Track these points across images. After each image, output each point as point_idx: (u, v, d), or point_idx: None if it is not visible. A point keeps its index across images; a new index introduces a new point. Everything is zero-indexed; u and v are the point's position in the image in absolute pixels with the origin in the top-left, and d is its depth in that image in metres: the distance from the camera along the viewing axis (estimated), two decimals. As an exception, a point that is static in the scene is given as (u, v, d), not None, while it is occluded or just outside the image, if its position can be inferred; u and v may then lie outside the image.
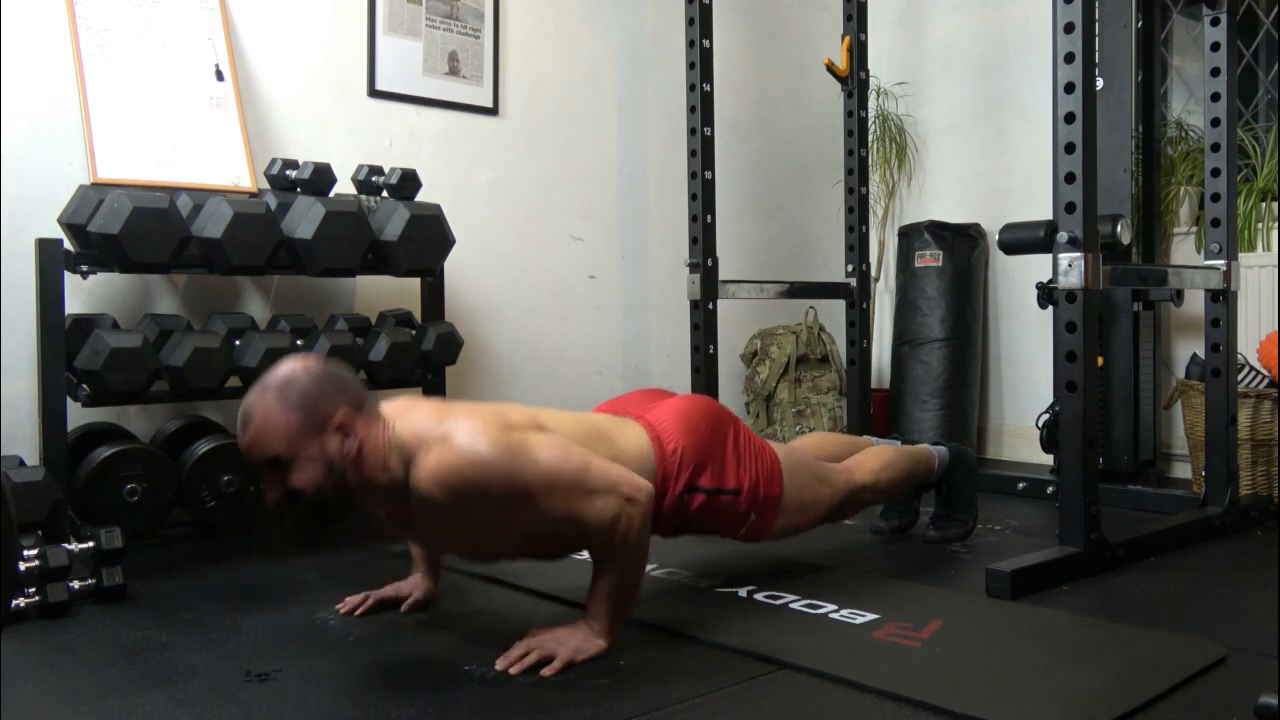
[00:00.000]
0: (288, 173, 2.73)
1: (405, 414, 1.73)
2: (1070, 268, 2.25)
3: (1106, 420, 3.31)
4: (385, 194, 2.90)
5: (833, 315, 4.03)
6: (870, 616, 1.94)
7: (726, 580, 2.21)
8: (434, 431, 1.66)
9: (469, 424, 1.66)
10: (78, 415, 2.56)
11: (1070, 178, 2.24)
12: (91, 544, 2.09)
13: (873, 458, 2.41)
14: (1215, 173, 2.76)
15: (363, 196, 2.86)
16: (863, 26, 3.60)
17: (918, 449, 2.54)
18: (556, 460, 1.68)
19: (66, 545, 2.07)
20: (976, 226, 4.01)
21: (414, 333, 2.87)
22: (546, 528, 1.73)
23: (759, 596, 2.09)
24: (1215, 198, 2.77)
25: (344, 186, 2.92)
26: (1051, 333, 3.36)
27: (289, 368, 1.65)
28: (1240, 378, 2.93)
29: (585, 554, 1.81)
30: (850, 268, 3.65)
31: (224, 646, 1.83)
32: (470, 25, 3.39)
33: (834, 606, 2.00)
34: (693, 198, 3.21)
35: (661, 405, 2.09)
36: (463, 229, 3.20)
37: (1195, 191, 3.53)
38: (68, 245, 2.42)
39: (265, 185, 2.78)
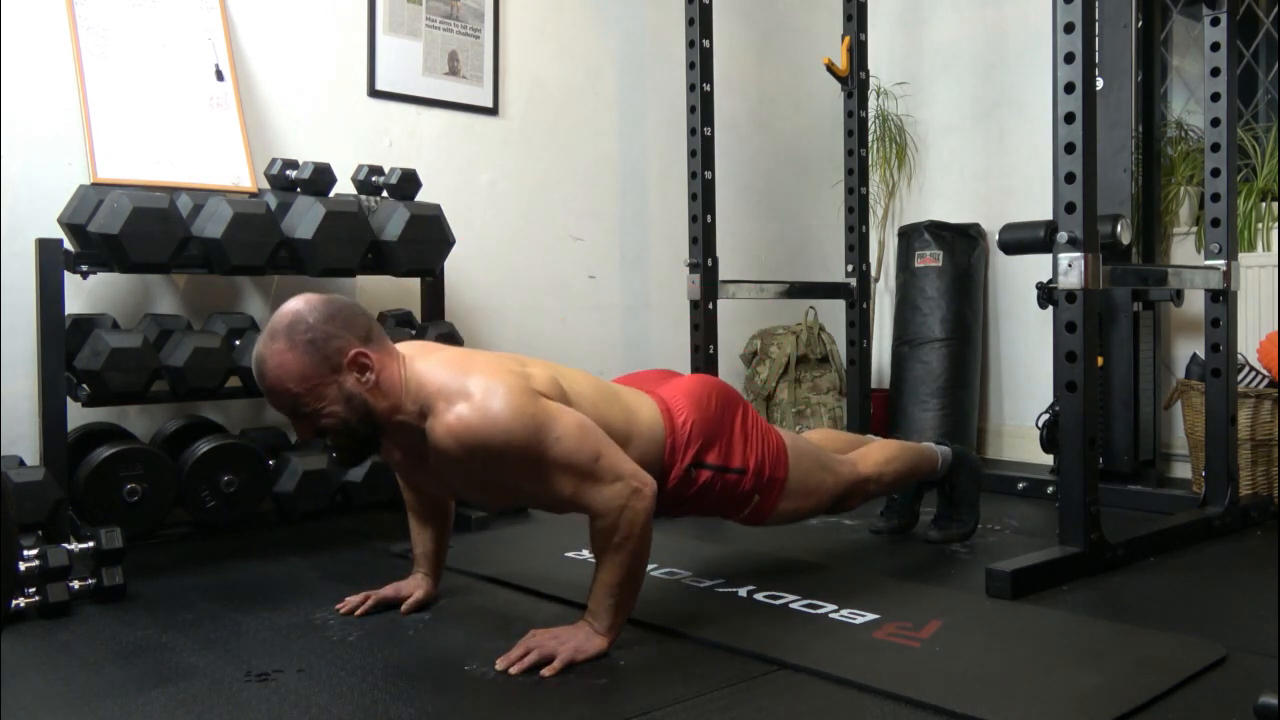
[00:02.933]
0: (288, 173, 2.73)
1: (423, 355, 1.75)
2: (1070, 268, 2.25)
3: (1106, 420, 3.31)
4: (385, 194, 2.90)
5: (833, 315, 4.03)
6: (870, 616, 1.93)
7: (726, 580, 2.21)
8: (457, 382, 1.67)
9: (494, 384, 1.65)
10: (78, 415, 2.56)
11: (1070, 178, 2.24)
12: (91, 544, 2.09)
13: (877, 451, 2.42)
14: (1215, 173, 2.76)
15: (363, 196, 2.86)
16: (863, 26, 3.60)
17: (922, 445, 2.55)
18: (574, 444, 1.68)
19: (66, 545, 2.07)
20: (976, 226, 4.01)
21: (414, 333, 2.87)
22: (551, 500, 1.75)
23: (759, 596, 2.09)
24: (1215, 198, 2.77)
25: (344, 186, 2.91)
26: (1051, 333, 3.36)
27: (293, 309, 1.65)
28: (1240, 378, 2.93)
29: (586, 554, 1.81)
30: (850, 268, 3.65)
31: (224, 646, 1.83)
32: (470, 25, 3.39)
33: (834, 606, 2.00)
34: (693, 198, 3.21)
35: (672, 382, 2.12)
36: (463, 229, 3.20)
37: (1195, 191, 3.53)
38: (68, 245, 2.42)
39: (265, 185, 2.78)
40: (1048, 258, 2.31)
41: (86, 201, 2.40)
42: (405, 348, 1.79)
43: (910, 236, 4.00)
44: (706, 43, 3.19)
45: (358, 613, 2.00)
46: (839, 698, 1.58)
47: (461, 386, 1.66)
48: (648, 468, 1.89)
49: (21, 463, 2.42)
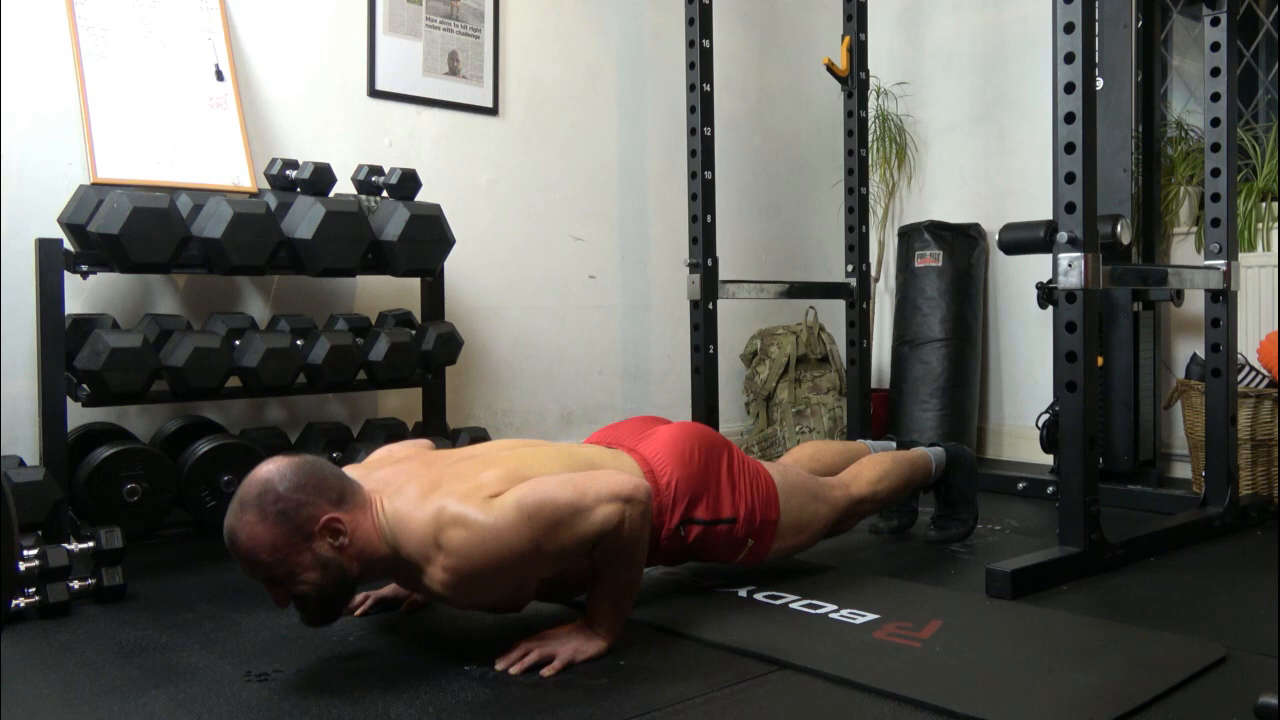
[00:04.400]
0: (288, 173, 2.73)
1: (393, 493, 1.70)
2: (1070, 268, 2.25)
3: (1106, 420, 3.31)
4: (385, 194, 2.90)
5: (833, 315, 4.03)
6: (870, 616, 1.94)
7: (726, 580, 2.21)
8: (428, 529, 1.63)
9: (457, 515, 1.62)
10: (78, 415, 2.56)
11: (1070, 178, 2.24)
12: (91, 544, 2.09)
13: (869, 468, 2.39)
14: (1215, 173, 2.76)
15: (363, 196, 2.86)
16: (863, 26, 3.60)
17: (914, 454, 2.52)
18: (551, 506, 1.64)
19: (66, 545, 2.07)
20: (976, 226, 4.01)
21: (414, 333, 2.87)
22: (565, 561, 1.72)
23: (759, 596, 2.09)
24: (1215, 198, 2.77)
25: (344, 186, 2.92)
26: (1051, 333, 3.36)
27: (262, 478, 1.60)
28: (1240, 378, 2.93)
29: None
30: (850, 268, 3.65)
31: (224, 646, 1.83)
32: (470, 25, 3.39)
33: (834, 606, 2.00)
34: (693, 198, 3.21)
35: (653, 436, 2.07)
36: (463, 229, 3.20)
37: (1195, 191, 3.53)
38: (68, 245, 2.42)
39: (265, 185, 2.78)
40: (1048, 258, 2.31)
41: (86, 201, 2.40)
42: (373, 480, 1.75)
43: (910, 236, 4.00)
44: (706, 43, 3.19)
45: (357, 613, 2.00)
46: (839, 698, 1.58)
47: (434, 534, 1.62)
48: None
49: (21, 463, 2.42)
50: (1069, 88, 2.24)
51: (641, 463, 1.99)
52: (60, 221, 2.45)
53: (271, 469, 1.62)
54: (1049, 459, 3.50)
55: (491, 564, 1.62)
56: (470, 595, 1.69)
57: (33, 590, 2.00)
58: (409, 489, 1.70)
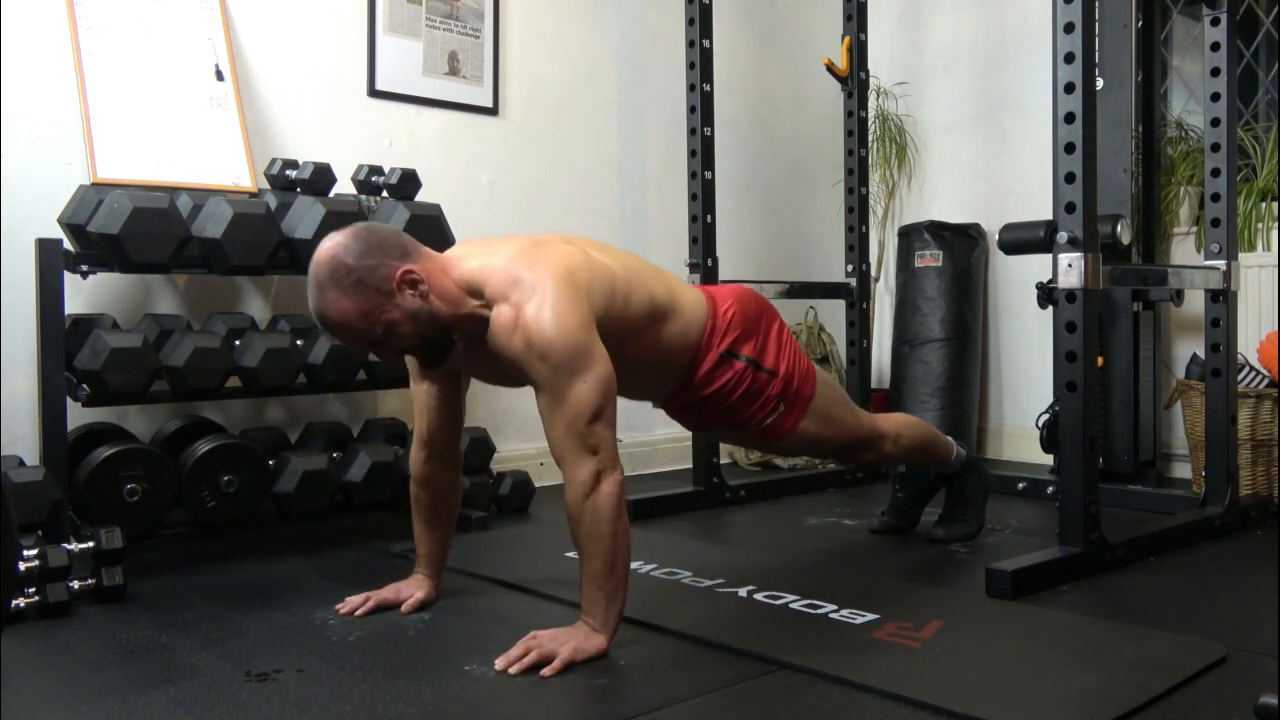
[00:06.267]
0: (288, 173, 2.73)
1: (488, 252, 1.81)
2: (1070, 268, 2.25)
3: (1106, 420, 3.31)
4: (385, 194, 2.90)
5: (833, 315, 4.03)
6: (870, 616, 1.93)
7: (727, 580, 2.21)
8: (528, 275, 1.72)
9: (554, 291, 1.69)
10: (78, 415, 2.56)
11: (1070, 178, 2.24)
12: (91, 544, 2.09)
13: (898, 416, 2.52)
14: (1215, 173, 2.76)
15: (363, 196, 2.86)
16: (863, 26, 3.60)
17: (940, 434, 2.59)
18: (588, 397, 1.69)
19: (66, 545, 2.07)
20: (976, 226, 4.01)
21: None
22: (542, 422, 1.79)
23: (759, 596, 2.09)
24: (1215, 198, 2.77)
25: (344, 186, 2.91)
26: (1051, 333, 3.36)
27: (328, 257, 1.70)
28: (1240, 378, 2.93)
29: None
30: (850, 268, 3.65)
31: (224, 646, 1.83)
32: (470, 25, 3.39)
33: (834, 606, 2.00)
34: (693, 198, 3.21)
35: (717, 286, 2.22)
36: (463, 229, 3.19)
37: (1195, 191, 3.53)
38: (68, 245, 2.42)
39: (265, 185, 2.78)
40: (1048, 258, 2.31)
41: (86, 201, 2.40)
42: (461, 249, 1.89)
43: (910, 236, 4.00)
44: (706, 43, 3.19)
45: (358, 613, 2.00)
46: (839, 698, 1.58)
47: (530, 279, 1.71)
48: (687, 345, 2.02)
49: (21, 463, 2.42)
50: (1069, 88, 2.24)
51: (704, 291, 2.11)
52: (60, 221, 2.45)
53: (333, 246, 1.71)
54: (1049, 459, 3.49)
55: (541, 350, 1.68)
56: (506, 353, 1.74)
57: (33, 590, 2.00)
58: (508, 246, 1.82)
